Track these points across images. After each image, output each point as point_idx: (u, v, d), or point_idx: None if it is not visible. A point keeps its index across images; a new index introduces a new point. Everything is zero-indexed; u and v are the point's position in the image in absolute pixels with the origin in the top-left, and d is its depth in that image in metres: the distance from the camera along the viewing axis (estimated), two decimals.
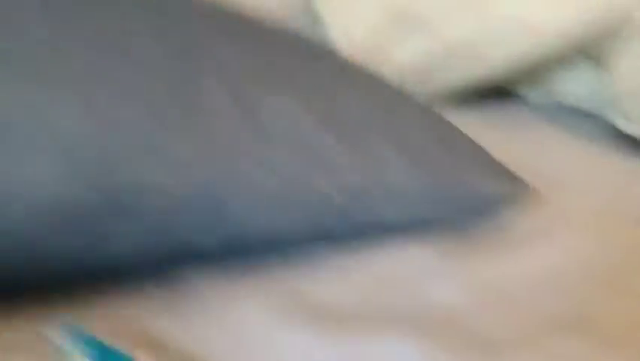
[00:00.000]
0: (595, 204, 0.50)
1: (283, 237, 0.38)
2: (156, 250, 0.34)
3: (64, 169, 0.30)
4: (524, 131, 0.76)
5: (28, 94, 0.30)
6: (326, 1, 0.71)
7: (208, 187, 0.34)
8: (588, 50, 0.83)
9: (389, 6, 0.74)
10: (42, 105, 0.30)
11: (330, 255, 0.40)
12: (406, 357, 0.31)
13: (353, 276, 0.39)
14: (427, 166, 0.43)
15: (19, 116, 0.30)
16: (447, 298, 0.36)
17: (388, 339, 0.32)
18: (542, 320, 0.34)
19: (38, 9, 0.32)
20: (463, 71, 0.79)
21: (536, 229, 0.47)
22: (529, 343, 0.31)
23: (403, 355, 0.31)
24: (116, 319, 0.31)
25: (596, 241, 0.44)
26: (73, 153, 0.30)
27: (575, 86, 0.87)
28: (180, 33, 0.37)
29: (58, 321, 0.28)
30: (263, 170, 0.36)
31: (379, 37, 0.75)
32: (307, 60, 0.44)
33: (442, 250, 0.42)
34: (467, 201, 0.44)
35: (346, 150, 0.40)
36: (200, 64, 0.37)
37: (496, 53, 0.78)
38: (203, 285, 0.36)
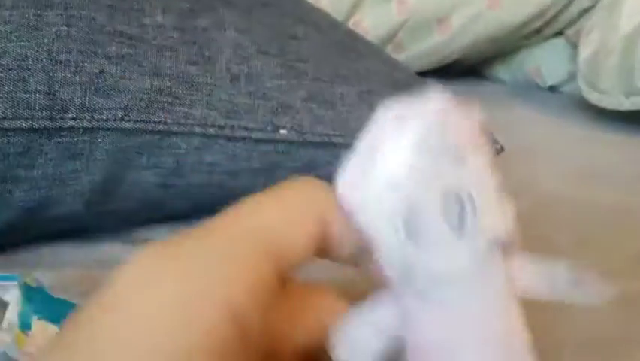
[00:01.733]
0: (557, 167, 0.52)
1: (247, 187, 0.37)
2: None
3: None
4: (498, 108, 0.76)
5: None
6: None
7: None
8: (562, 28, 0.85)
9: None
10: None
11: None
12: None
13: None
14: None
15: None
16: None
17: None
18: None
19: None
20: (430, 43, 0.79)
21: (502, 185, 0.47)
22: None
23: None
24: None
25: (553, 197, 0.45)
26: None
27: (549, 61, 0.88)
28: None
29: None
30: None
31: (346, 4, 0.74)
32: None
33: None
34: None
35: (311, 96, 0.39)
36: None
37: (467, 26, 0.78)
38: None
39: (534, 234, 0.37)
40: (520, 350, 0.15)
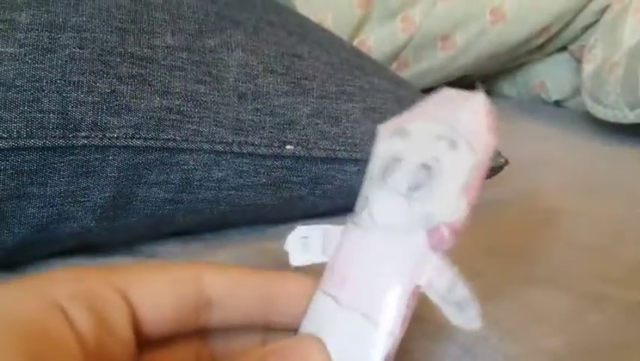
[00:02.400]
0: (562, 179, 0.52)
1: (254, 202, 0.38)
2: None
3: None
4: (504, 122, 0.77)
5: None
6: None
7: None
8: (566, 44, 0.85)
9: None
10: None
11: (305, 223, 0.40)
12: None
13: None
14: None
15: None
16: None
17: None
18: (510, 273, 0.34)
19: None
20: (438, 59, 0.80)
21: (503, 198, 0.47)
22: (502, 293, 0.31)
23: None
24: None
25: (557, 207, 0.45)
26: None
27: (554, 77, 0.89)
28: None
29: None
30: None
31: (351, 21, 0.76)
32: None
33: None
34: None
35: (316, 113, 0.40)
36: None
37: (471, 43, 0.79)
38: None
39: (535, 244, 0.38)
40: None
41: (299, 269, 0.20)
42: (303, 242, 0.19)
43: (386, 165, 0.17)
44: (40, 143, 0.31)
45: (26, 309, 0.16)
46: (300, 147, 0.38)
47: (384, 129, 0.18)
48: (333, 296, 0.18)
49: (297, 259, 0.20)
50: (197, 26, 0.40)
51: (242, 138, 0.37)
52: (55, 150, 0.32)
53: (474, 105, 0.17)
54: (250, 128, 0.37)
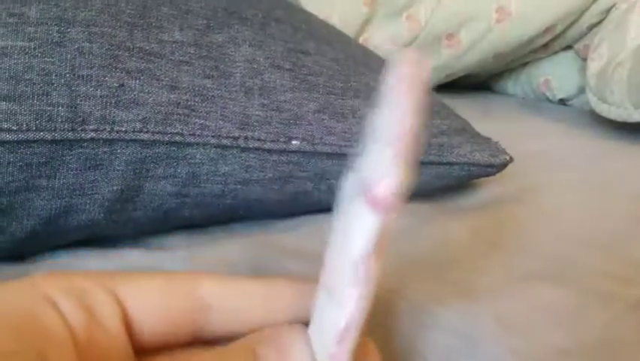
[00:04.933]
0: (567, 176, 0.52)
1: (260, 196, 0.38)
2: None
3: None
4: (508, 119, 0.77)
5: None
6: None
7: None
8: (571, 42, 0.85)
9: None
10: None
11: (313, 220, 0.40)
12: None
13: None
14: None
15: None
16: (418, 250, 0.36)
17: None
18: (514, 269, 0.34)
19: None
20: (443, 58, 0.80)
21: (508, 195, 0.47)
22: (506, 289, 0.32)
23: None
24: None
25: (562, 204, 0.45)
26: None
27: (558, 75, 0.88)
28: None
29: None
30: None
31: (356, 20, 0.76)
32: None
33: (419, 215, 0.42)
34: (446, 168, 0.44)
35: (322, 108, 0.40)
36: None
37: (476, 41, 0.79)
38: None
39: (540, 241, 0.38)
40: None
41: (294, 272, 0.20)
42: None
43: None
44: (49, 136, 0.31)
45: (18, 301, 0.16)
46: (305, 142, 0.39)
47: None
48: (321, 284, 0.18)
49: None
50: (205, 22, 0.40)
51: (248, 133, 0.37)
52: (64, 143, 0.32)
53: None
54: (256, 124, 0.38)
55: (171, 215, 0.37)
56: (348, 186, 0.17)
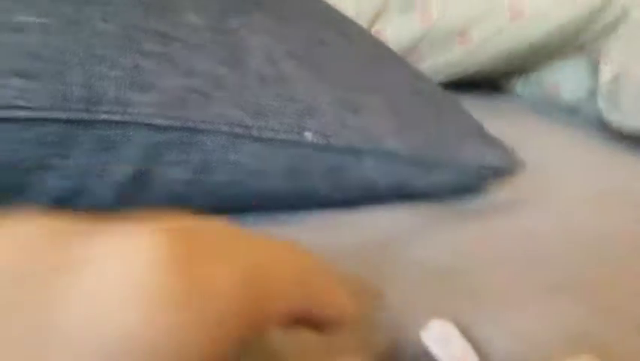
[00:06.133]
0: (574, 181, 0.52)
1: (270, 187, 0.38)
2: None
3: None
4: (515, 121, 0.77)
5: None
6: None
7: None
8: (584, 46, 0.85)
9: None
10: None
11: (321, 216, 0.40)
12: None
13: (341, 235, 0.38)
14: (419, 131, 0.43)
15: None
16: (431, 257, 0.36)
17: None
18: (527, 281, 0.34)
19: None
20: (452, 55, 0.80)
21: (519, 199, 0.47)
22: (521, 302, 0.32)
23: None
24: None
25: (569, 210, 0.45)
26: None
27: (569, 78, 0.88)
28: None
29: None
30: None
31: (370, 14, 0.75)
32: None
33: (430, 216, 0.42)
34: (457, 169, 0.44)
35: (337, 102, 0.40)
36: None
37: (488, 39, 0.79)
38: None
39: (553, 252, 0.38)
40: None
41: None
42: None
43: None
44: (63, 115, 0.31)
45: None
46: (318, 135, 0.38)
47: None
48: None
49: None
50: (221, 6, 0.40)
51: (262, 123, 0.37)
52: (77, 123, 0.32)
53: None
54: (270, 113, 0.37)
55: (182, 202, 0.36)
56: None
